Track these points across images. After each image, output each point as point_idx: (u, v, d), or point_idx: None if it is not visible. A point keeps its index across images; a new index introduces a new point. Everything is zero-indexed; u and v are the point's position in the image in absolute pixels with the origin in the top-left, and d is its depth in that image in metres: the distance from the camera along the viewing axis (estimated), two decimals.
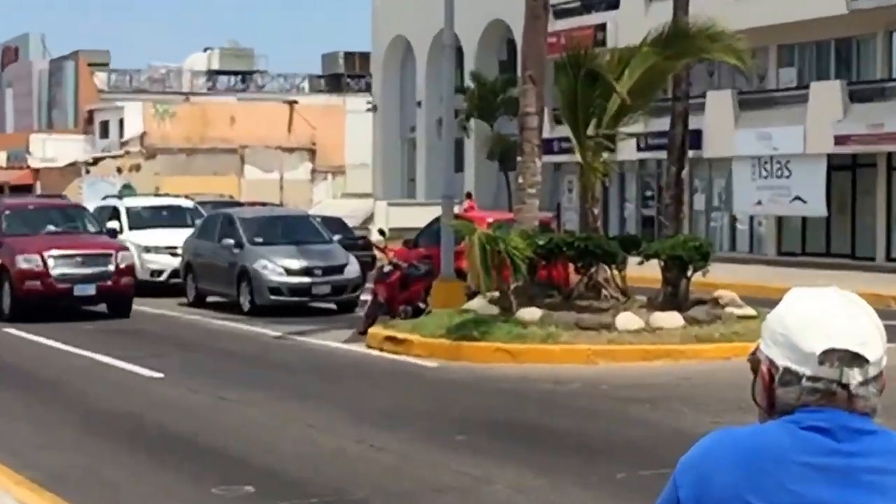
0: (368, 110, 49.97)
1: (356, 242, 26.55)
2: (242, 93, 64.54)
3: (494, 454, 11.19)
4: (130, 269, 20.71)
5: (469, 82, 41.48)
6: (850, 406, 1.99)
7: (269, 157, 53.80)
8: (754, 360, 2.10)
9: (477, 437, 12.18)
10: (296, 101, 59.38)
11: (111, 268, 20.01)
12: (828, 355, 1.97)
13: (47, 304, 19.88)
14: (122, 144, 55.31)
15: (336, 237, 24.84)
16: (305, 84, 65.80)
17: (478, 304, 19.04)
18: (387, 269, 20.98)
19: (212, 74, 67.09)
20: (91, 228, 21.97)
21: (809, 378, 2.00)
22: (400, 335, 18.70)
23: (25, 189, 52.83)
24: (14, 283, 19.67)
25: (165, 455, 11.26)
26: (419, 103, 46.06)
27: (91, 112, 61.15)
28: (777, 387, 2.05)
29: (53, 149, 58.81)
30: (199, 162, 52.07)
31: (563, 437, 12.25)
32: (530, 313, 18.36)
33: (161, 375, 15.98)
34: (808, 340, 2.00)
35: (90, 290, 19.74)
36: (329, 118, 57.08)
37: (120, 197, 31.33)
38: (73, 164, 55.95)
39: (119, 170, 51.19)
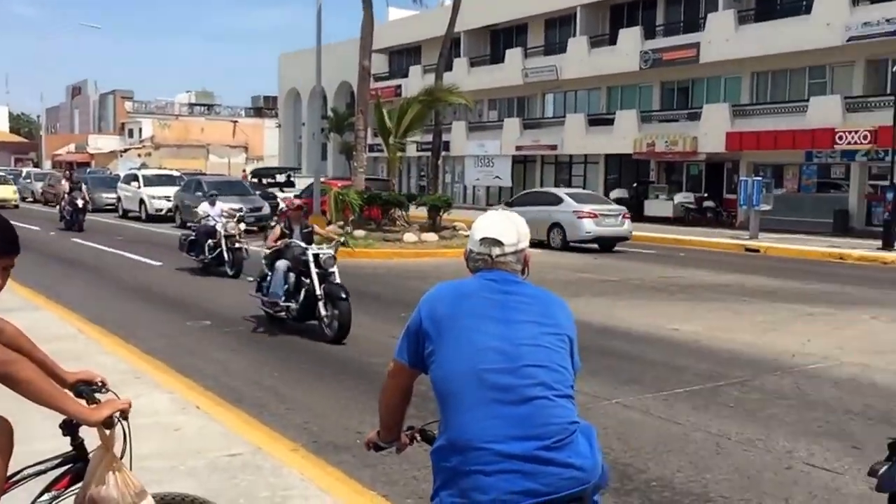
0: (277, 126, 74.78)
1: (268, 194, 34.97)
2: (207, 115, 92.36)
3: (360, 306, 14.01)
4: None
5: (330, 113, 60.84)
6: (496, 267, 3.03)
7: (222, 151, 74.22)
8: (466, 249, 3.13)
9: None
10: (237, 121, 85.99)
11: None
12: (483, 241, 3.04)
13: None
14: (141, 142, 79.65)
15: (257, 192, 33.35)
16: (242, 112, 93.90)
17: (332, 227, 23.38)
18: (283, 209, 23.69)
19: (191, 105, 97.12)
20: None
21: (476, 253, 3.07)
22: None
23: (86, 165, 75.20)
24: None
25: (163, 305, 14.54)
26: (303, 124, 66.40)
27: (123, 124, 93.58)
28: (469, 259, 3.11)
29: (101, 143, 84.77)
30: (183, 152, 72.05)
31: (387, 293, 16.31)
32: (359, 233, 24.91)
33: (160, 264, 20.63)
34: (475, 233, 3.08)
35: None
36: (256, 131, 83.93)
37: (139, 169, 43.08)
38: (112, 152, 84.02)
39: (139, 155, 72.32)
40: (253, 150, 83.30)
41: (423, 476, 6.02)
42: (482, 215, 3.20)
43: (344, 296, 11.37)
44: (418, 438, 3.37)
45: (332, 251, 12.03)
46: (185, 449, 6.47)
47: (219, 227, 18.82)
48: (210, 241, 18.91)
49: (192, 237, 19.35)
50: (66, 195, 30.94)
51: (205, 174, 46.09)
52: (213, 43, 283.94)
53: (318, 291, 11.69)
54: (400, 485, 6.19)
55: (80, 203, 29.98)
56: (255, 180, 42.37)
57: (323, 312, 11.66)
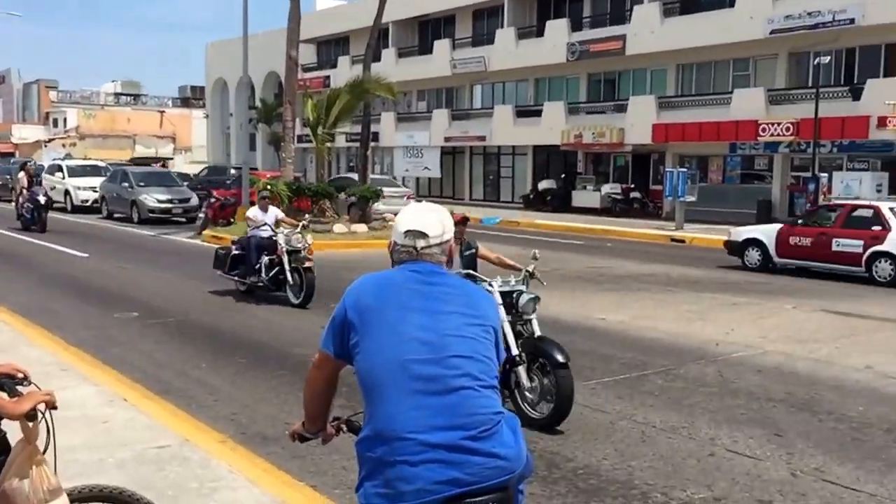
0: (205, 117, 74.15)
1: (196, 186, 34.56)
2: (134, 106, 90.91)
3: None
4: None
5: (258, 103, 60.22)
6: (421, 258, 3.04)
7: (149, 142, 72.89)
8: (390, 241, 3.15)
9: None
10: (164, 111, 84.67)
11: None
12: (407, 233, 3.05)
13: None
14: (66, 132, 78.61)
15: (185, 183, 33.02)
16: (170, 102, 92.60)
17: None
18: (213, 200, 27.77)
19: (117, 95, 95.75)
20: None
21: (400, 245, 3.07)
22: (219, 234, 24.15)
23: (9, 155, 73.66)
24: None
25: (90, 297, 14.33)
26: (231, 114, 65.50)
27: (48, 113, 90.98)
28: (393, 252, 3.11)
29: (26, 133, 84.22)
30: (109, 143, 71.07)
31: (317, 284, 14.22)
32: None
33: (87, 255, 20.54)
34: (400, 226, 3.07)
35: None
36: (183, 121, 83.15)
37: (63, 160, 41.60)
38: (37, 142, 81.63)
39: (63, 145, 71.04)
40: (181, 140, 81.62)
41: (352, 466, 5.84)
42: (406, 207, 3.21)
43: (562, 360, 7.55)
44: (344, 429, 3.36)
45: (524, 287, 8.28)
46: (113, 441, 6.44)
47: (280, 240, 14.41)
48: (265, 257, 14.58)
49: (236, 251, 15.00)
50: (24, 190, 27.26)
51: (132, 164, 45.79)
52: (140, 32, 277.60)
53: (515, 351, 7.78)
54: (329, 475, 6.19)
55: (42, 199, 26.04)
56: None
57: (526, 383, 7.72)
